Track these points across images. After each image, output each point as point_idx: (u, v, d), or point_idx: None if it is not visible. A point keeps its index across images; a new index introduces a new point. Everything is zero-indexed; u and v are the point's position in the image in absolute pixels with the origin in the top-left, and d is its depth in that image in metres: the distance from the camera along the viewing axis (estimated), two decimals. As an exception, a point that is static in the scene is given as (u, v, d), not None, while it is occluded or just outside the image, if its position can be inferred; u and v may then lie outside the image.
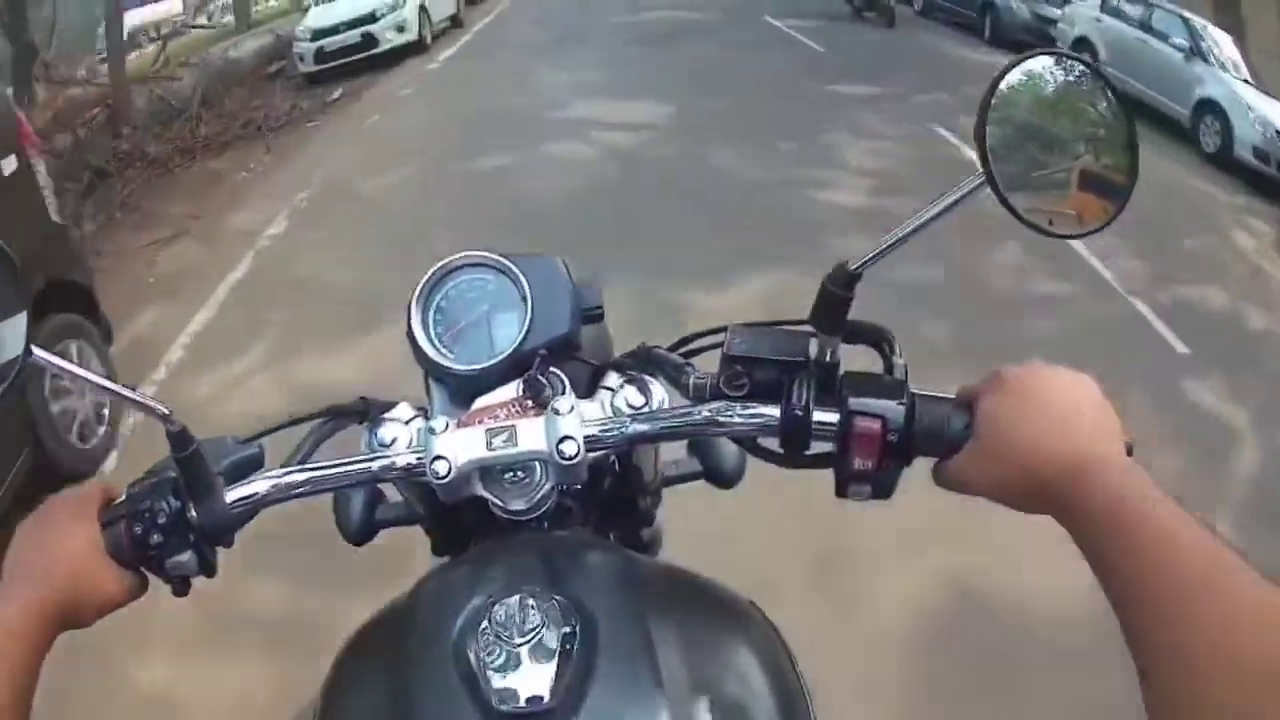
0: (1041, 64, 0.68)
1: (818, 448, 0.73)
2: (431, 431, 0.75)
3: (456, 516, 0.91)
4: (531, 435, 0.75)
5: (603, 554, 0.77)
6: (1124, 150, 0.68)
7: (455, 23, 14.04)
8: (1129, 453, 0.64)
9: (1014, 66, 0.67)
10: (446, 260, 0.89)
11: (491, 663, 0.63)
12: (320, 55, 11.25)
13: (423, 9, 12.32)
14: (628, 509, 1.01)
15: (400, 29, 11.74)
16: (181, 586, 0.78)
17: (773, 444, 0.75)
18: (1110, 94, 0.68)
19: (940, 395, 0.71)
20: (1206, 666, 0.50)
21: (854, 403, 0.70)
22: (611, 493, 0.96)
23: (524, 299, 0.86)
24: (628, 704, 0.62)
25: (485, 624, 0.65)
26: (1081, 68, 0.69)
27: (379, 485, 1.12)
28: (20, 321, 0.69)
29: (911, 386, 0.71)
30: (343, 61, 11.23)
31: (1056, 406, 0.64)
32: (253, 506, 0.78)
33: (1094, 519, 0.58)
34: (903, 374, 0.72)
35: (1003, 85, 0.66)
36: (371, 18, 11.52)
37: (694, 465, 1.13)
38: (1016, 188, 0.65)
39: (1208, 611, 0.51)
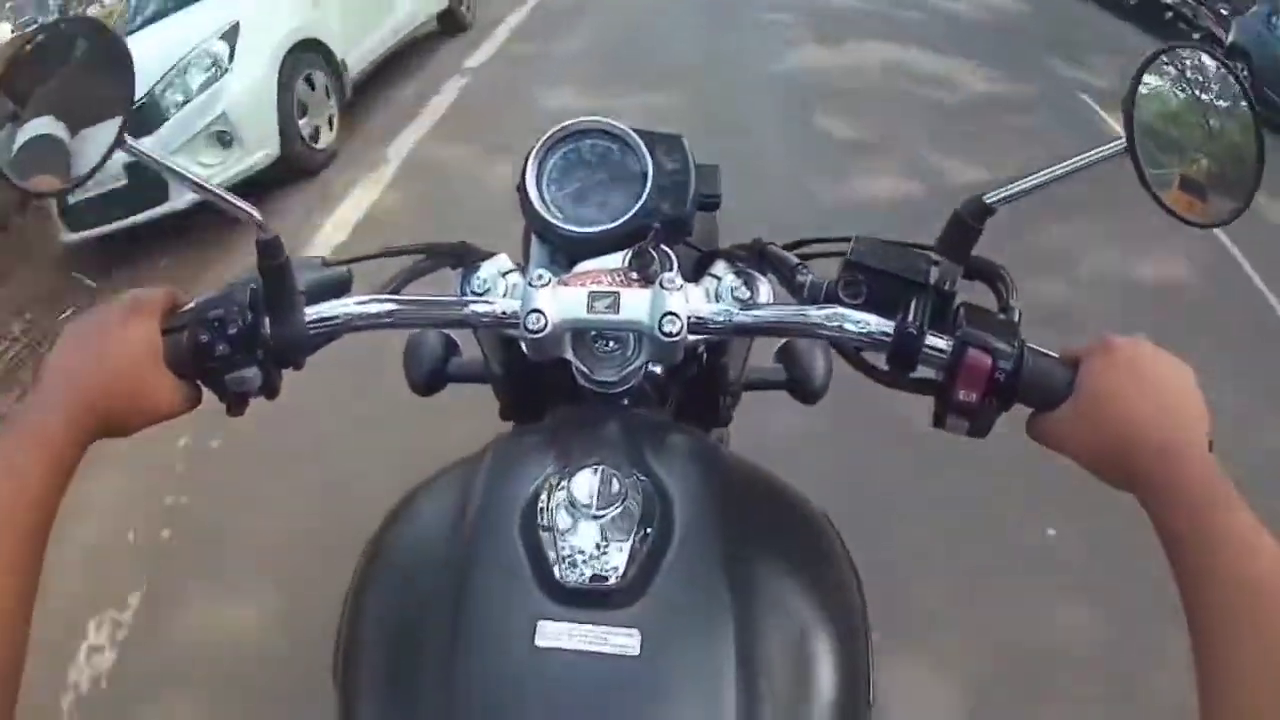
0: (1190, 57, 0.73)
1: (922, 372, 0.71)
2: (532, 284, 0.74)
3: (532, 382, 0.91)
4: (636, 305, 0.73)
5: (688, 440, 0.76)
6: (1251, 153, 0.71)
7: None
8: (1209, 449, 0.64)
9: (1165, 52, 0.71)
10: (571, 122, 0.88)
11: (561, 532, 0.62)
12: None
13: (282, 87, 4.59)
14: (706, 404, 1.00)
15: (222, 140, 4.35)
16: (238, 405, 0.75)
17: (878, 360, 0.73)
18: (1245, 98, 0.72)
19: (1047, 351, 0.69)
20: (1272, 673, 0.51)
21: (968, 333, 0.68)
22: (694, 384, 0.95)
23: (644, 173, 0.85)
24: (694, 599, 0.61)
25: (561, 490, 0.64)
26: (1223, 69, 0.73)
27: (454, 340, 1.13)
28: (120, 117, 0.70)
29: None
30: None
31: (1156, 387, 0.64)
32: (332, 330, 0.75)
33: (1177, 508, 0.58)
34: (1016, 317, 0.71)
35: (1152, 68, 0.70)
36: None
37: (779, 374, 1.11)
38: (1151, 165, 0.69)
39: (1277, 619, 0.52)
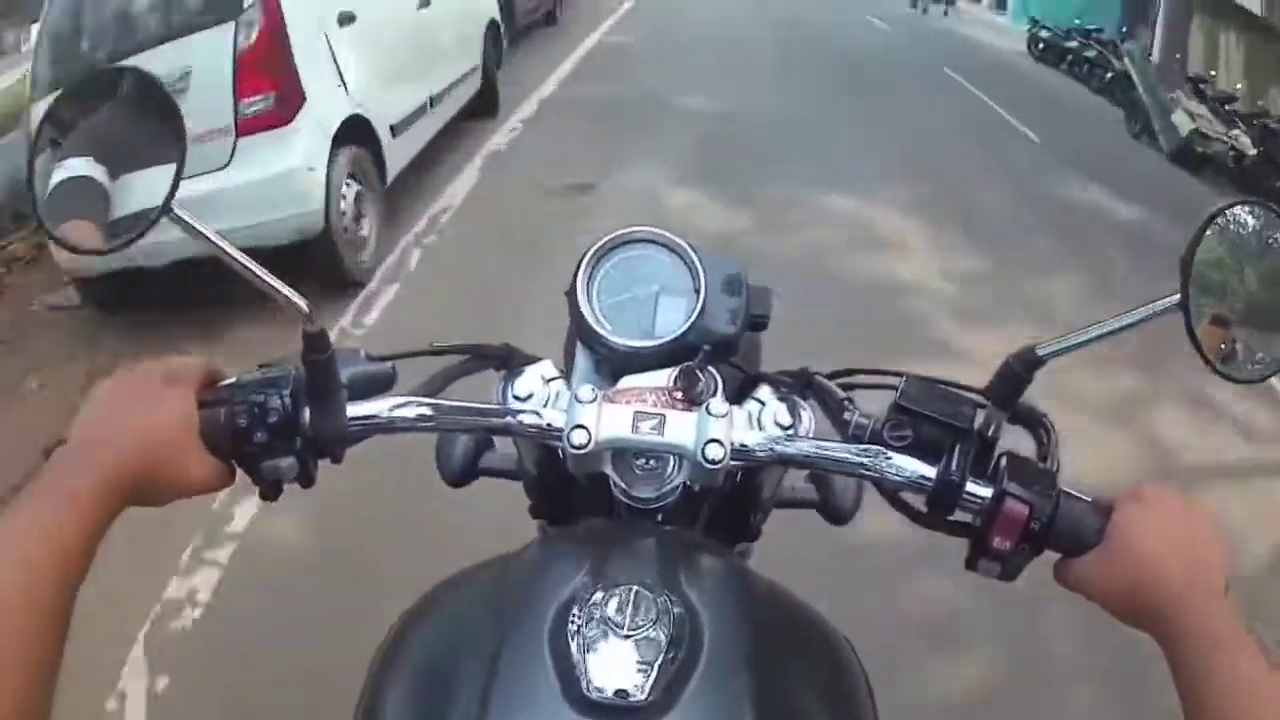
0: (1255, 213, 0.72)
1: (959, 515, 0.72)
2: (578, 399, 0.74)
3: (566, 486, 0.91)
4: (680, 429, 0.73)
5: (720, 562, 0.76)
6: None
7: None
8: (1225, 591, 0.66)
9: (1229, 207, 0.71)
10: (626, 230, 0.88)
11: (591, 646, 0.62)
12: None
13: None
14: (737, 520, 0.99)
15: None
16: (272, 490, 0.75)
17: (916, 500, 0.74)
18: None
19: (1081, 496, 0.71)
20: None
21: (1009, 484, 0.69)
22: (727, 501, 0.94)
23: (697, 290, 0.85)
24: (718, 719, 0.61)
25: (594, 606, 0.64)
26: None
27: (490, 433, 1.13)
28: (170, 171, 0.68)
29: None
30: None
31: (1184, 535, 0.67)
32: (371, 429, 0.75)
33: (1193, 648, 0.62)
34: (1056, 467, 0.73)
35: (1216, 223, 0.69)
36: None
37: (810, 493, 1.11)
38: (1204, 321, 0.69)
39: None
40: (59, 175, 0.70)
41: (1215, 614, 0.63)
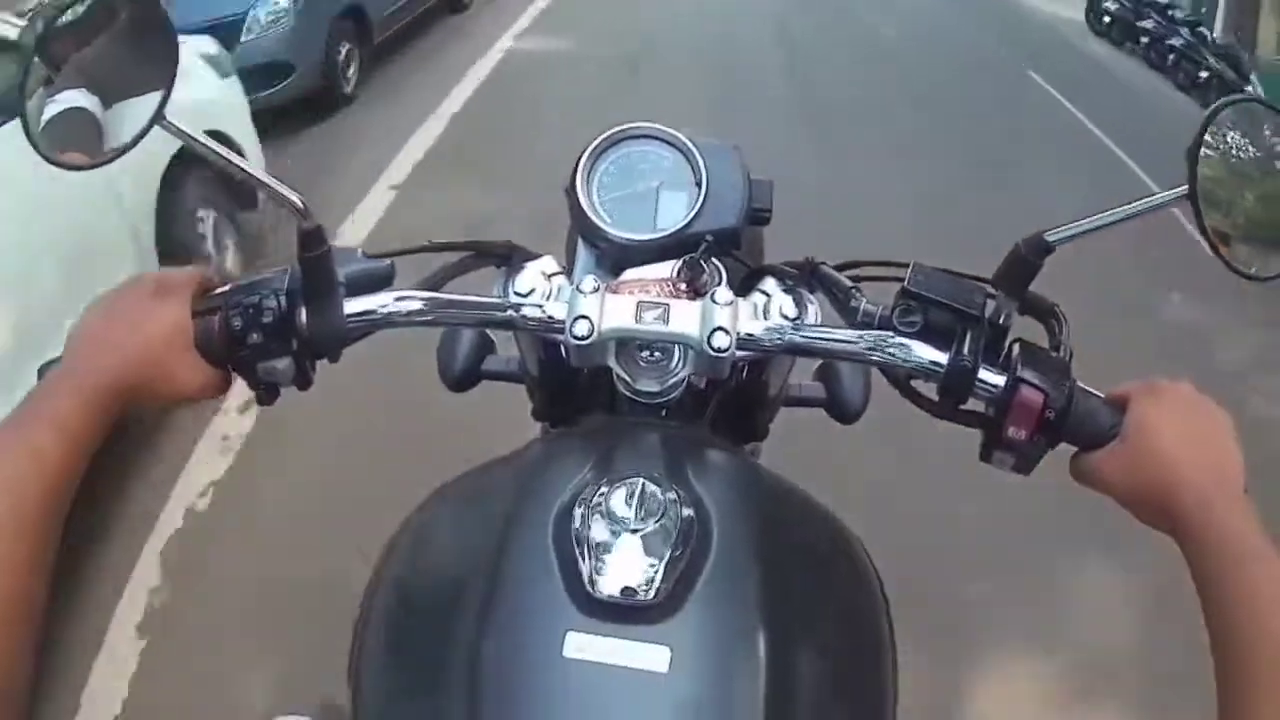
0: (1257, 109, 0.73)
1: (972, 405, 0.71)
2: (580, 290, 0.73)
3: (569, 385, 0.90)
4: (685, 318, 0.72)
5: (728, 458, 0.75)
6: None
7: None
8: (1244, 491, 0.65)
9: (1231, 104, 0.71)
10: (624, 125, 0.87)
11: (597, 543, 0.61)
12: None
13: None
14: (744, 418, 0.99)
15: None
16: (268, 394, 0.74)
17: (928, 390, 0.73)
18: None
19: (1094, 392, 0.69)
20: None
21: (1022, 370, 0.68)
22: (733, 397, 0.94)
23: (697, 182, 0.84)
24: (725, 620, 0.61)
25: (599, 501, 0.63)
26: None
27: (490, 337, 1.12)
28: (154, 98, 0.68)
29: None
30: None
31: (1199, 434, 0.65)
32: (370, 325, 0.74)
33: (1213, 557, 0.60)
34: (1068, 356, 0.71)
35: (1219, 118, 0.69)
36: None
37: (818, 391, 1.10)
38: (1211, 213, 0.68)
39: None
40: (52, 109, 0.70)
41: (1236, 516, 0.61)
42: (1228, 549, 0.59)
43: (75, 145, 0.71)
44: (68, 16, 0.72)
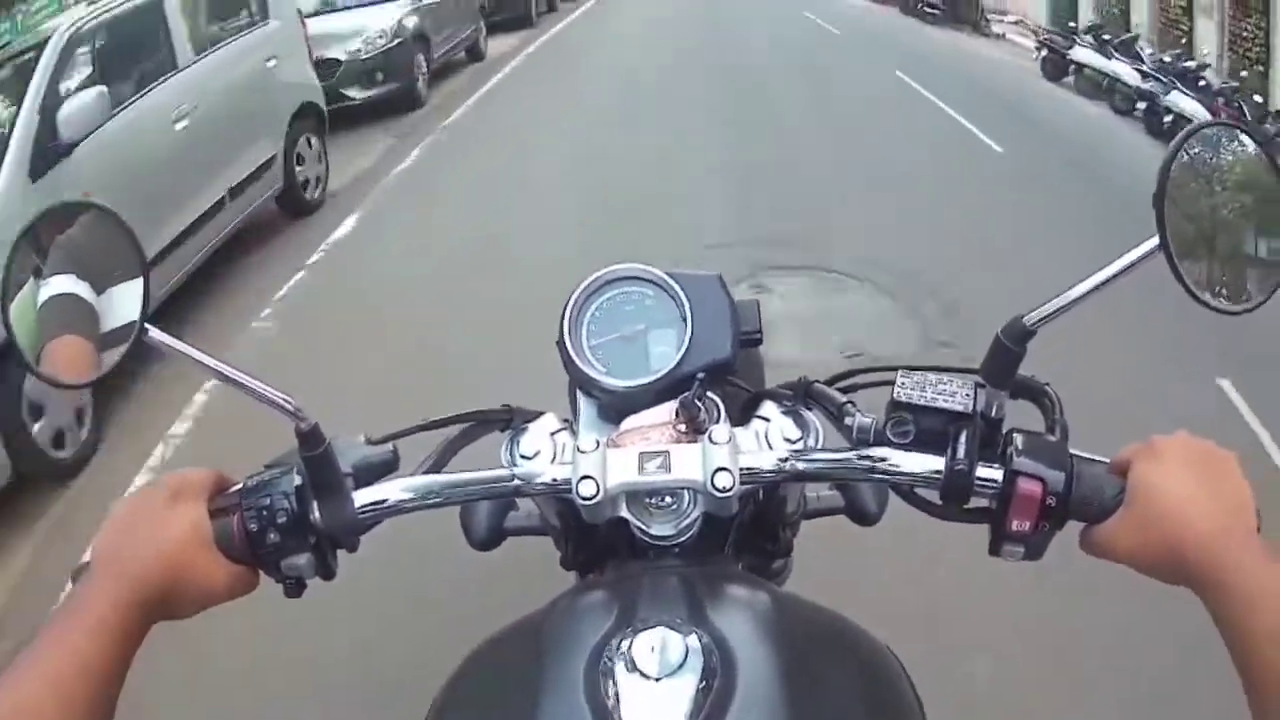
0: (1220, 134, 0.70)
1: (975, 502, 0.71)
2: (580, 450, 0.74)
3: (591, 533, 0.90)
4: (686, 463, 0.73)
5: (748, 589, 0.75)
6: None
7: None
8: (1259, 529, 0.64)
9: (1191, 134, 0.68)
10: (604, 271, 0.88)
11: (624, 693, 0.61)
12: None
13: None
14: (766, 538, 0.98)
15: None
16: (295, 588, 0.75)
17: (931, 494, 0.73)
18: (1276, 173, 0.69)
19: (1095, 459, 0.70)
20: None
21: (1018, 463, 0.68)
22: (753, 521, 0.93)
23: (684, 319, 0.85)
24: None
25: (624, 653, 0.63)
26: (1254, 145, 0.70)
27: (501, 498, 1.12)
28: (137, 286, 0.70)
29: (1070, 448, 0.71)
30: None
31: (1204, 480, 0.65)
32: (382, 514, 0.75)
33: (1235, 598, 0.59)
34: (1063, 435, 0.71)
35: (1181, 154, 0.67)
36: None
37: (836, 500, 1.10)
38: (1186, 257, 0.67)
39: None
40: (46, 292, 0.71)
41: (1250, 558, 0.60)
42: (1247, 591, 0.59)
43: (72, 330, 0.71)
44: (41, 220, 0.73)
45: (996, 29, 13.39)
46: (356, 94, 8.19)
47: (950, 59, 11.49)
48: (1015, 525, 0.68)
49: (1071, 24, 10.69)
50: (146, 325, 0.69)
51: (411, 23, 8.94)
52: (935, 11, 14.48)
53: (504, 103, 9.18)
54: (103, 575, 0.66)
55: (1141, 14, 11.06)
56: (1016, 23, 13.26)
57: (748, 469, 0.73)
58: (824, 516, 1.10)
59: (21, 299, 0.71)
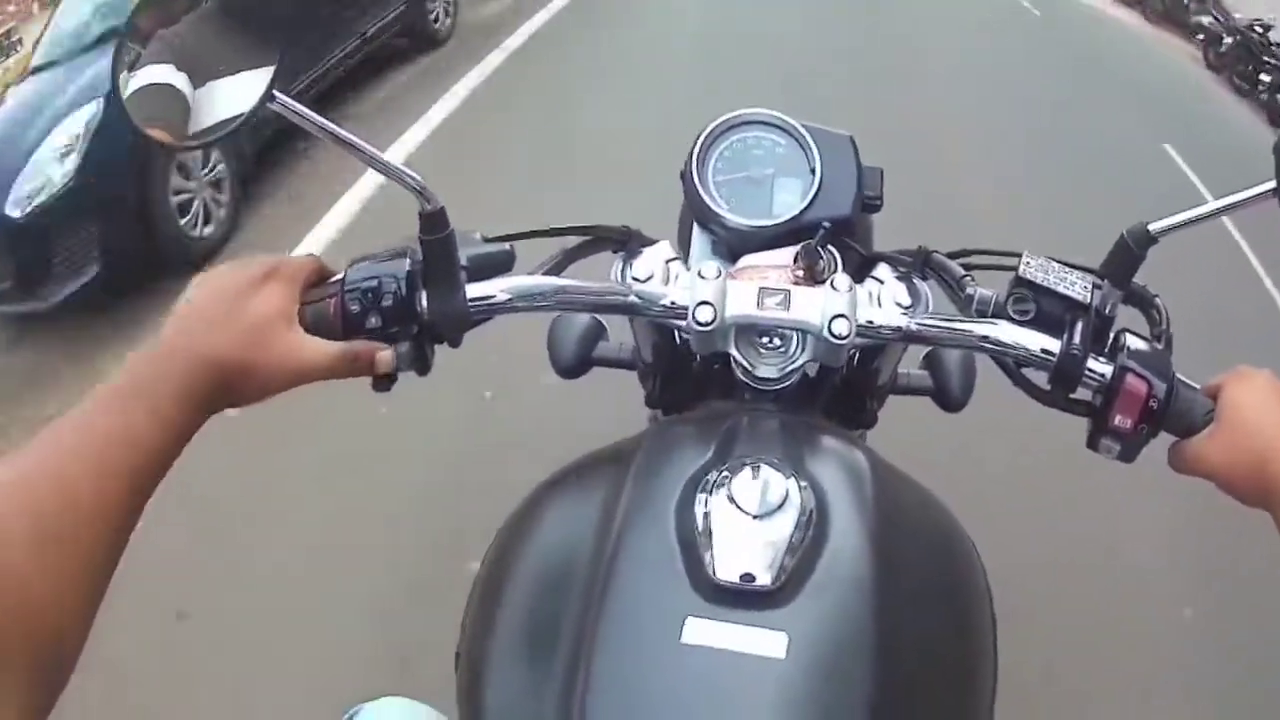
0: None
1: (1080, 394, 0.71)
2: (702, 276, 0.73)
3: (683, 372, 0.91)
4: (807, 305, 0.72)
5: (847, 447, 0.75)
6: None
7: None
8: None
9: None
10: (740, 112, 0.87)
11: (719, 527, 0.62)
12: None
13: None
14: (854, 405, 0.99)
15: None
16: (384, 380, 0.71)
17: (1039, 377, 0.73)
18: None
19: (1191, 383, 0.71)
20: None
21: (1129, 360, 0.69)
22: (844, 385, 0.93)
23: (812, 170, 0.85)
24: (842, 610, 0.61)
25: (721, 488, 0.64)
26: None
27: (602, 323, 1.13)
28: (269, 70, 0.66)
29: None
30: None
31: None
32: (492, 310, 0.73)
33: None
34: (1168, 346, 0.72)
35: None
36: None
37: (925, 380, 1.09)
38: None
39: None
40: (136, 82, 0.68)
41: None
42: None
43: (160, 125, 0.68)
44: None
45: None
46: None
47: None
48: (1118, 421, 0.69)
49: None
50: (275, 92, 0.65)
51: None
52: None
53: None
54: (169, 354, 0.62)
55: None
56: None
57: (866, 322, 0.73)
58: (910, 395, 1.10)
59: (133, 75, 0.67)
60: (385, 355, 0.70)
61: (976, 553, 0.75)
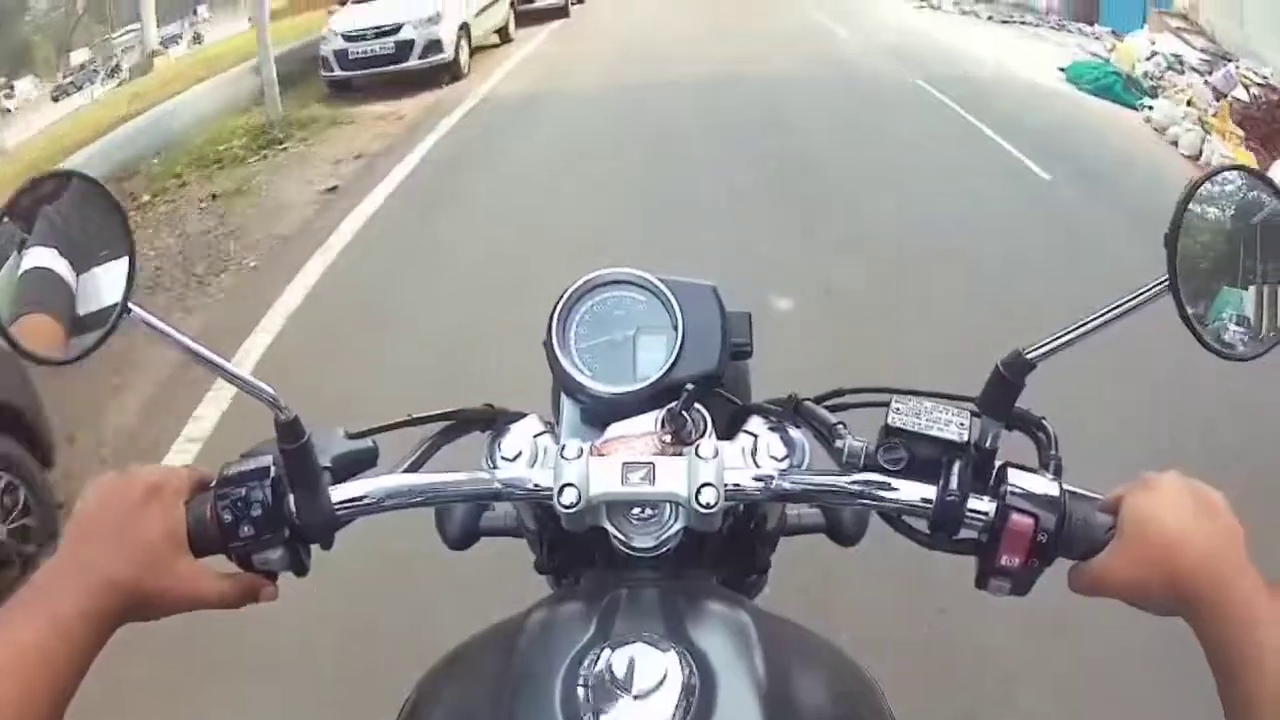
0: (1235, 180, 0.70)
1: (964, 533, 0.70)
2: (564, 457, 0.72)
3: (568, 539, 0.89)
4: (671, 476, 0.71)
5: (729, 609, 0.74)
6: None
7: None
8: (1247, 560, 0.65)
9: (1209, 177, 0.69)
10: (596, 274, 0.87)
11: (602, 710, 0.60)
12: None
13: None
14: (744, 554, 0.98)
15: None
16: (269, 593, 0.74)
17: (919, 523, 0.72)
18: None
19: (1087, 494, 0.70)
20: None
21: (1011, 497, 0.68)
22: (732, 536, 0.92)
23: (675, 326, 0.84)
24: None
25: (602, 668, 0.62)
26: (1271, 196, 0.69)
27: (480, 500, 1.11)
28: (122, 266, 0.68)
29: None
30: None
31: (1197, 512, 0.66)
32: (359, 511, 0.74)
33: (1227, 621, 0.61)
34: (1057, 471, 0.71)
35: (1197, 196, 0.67)
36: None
37: (816, 518, 1.09)
38: (1196, 299, 0.67)
39: None
40: (26, 263, 0.69)
41: (1245, 583, 0.62)
42: (1239, 616, 0.61)
43: (46, 308, 0.69)
44: (26, 191, 0.69)
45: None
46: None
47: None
48: (1005, 560, 0.68)
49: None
50: (130, 305, 0.67)
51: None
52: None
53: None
54: (69, 569, 0.64)
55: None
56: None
57: (733, 486, 0.72)
58: (803, 534, 1.09)
59: (7, 267, 0.68)
60: (269, 590, 0.73)
61: (882, 694, 0.73)
